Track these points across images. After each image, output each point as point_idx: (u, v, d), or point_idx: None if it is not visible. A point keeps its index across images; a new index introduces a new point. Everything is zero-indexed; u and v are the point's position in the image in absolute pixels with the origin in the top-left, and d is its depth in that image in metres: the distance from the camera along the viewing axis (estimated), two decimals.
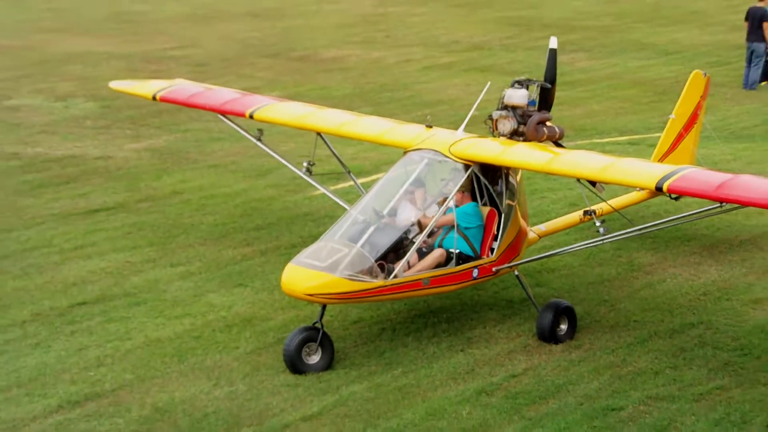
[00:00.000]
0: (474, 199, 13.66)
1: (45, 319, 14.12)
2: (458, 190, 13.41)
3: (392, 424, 11.64)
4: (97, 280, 15.37)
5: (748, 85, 27.46)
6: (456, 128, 14.28)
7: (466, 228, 13.40)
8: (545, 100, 14.42)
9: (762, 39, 27.02)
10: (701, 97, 16.85)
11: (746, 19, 27.54)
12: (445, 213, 13.29)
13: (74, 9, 38.82)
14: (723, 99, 25.96)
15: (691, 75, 16.82)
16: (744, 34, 27.79)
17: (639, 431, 11.53)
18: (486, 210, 13.65)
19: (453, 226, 13.27)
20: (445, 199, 13.34)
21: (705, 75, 16.94)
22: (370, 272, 12.62)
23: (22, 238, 16.93)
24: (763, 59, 27.30)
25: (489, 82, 15.34)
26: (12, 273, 15.56)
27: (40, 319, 14.09)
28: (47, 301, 14.62)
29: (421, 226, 13.21)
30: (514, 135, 14.03)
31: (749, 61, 27.49)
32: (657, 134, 17.83)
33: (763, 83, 27.75)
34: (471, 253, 13.43)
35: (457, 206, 13.44)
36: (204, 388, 12.33)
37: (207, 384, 12.42)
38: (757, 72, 27.41)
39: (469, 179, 13.58)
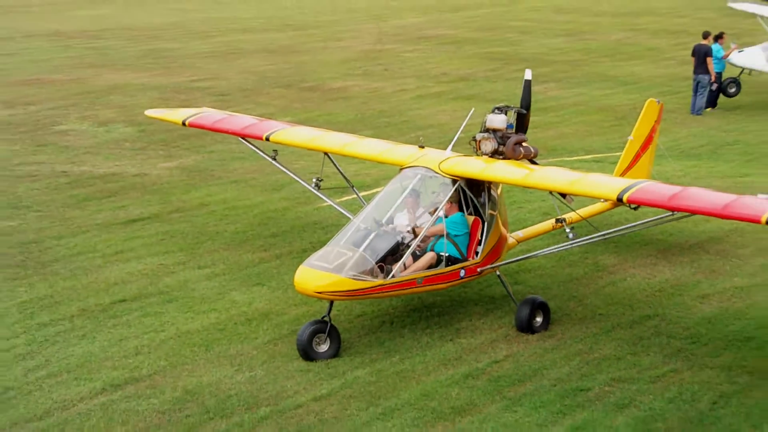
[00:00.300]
0: (461, 209, 13.69)
1: (90, 314, 14.14)
2: (446, 202, 13.44)
3: (391, 403, 11.65)
4: (134, 280, 15.38)
5: (695, 111, 27.57)
6: (445, 148, 14.32)
7: (454, 235, 13.43)
8: (521, 124, 14.46)
9: (706, 71, 27.18)
10: (655, 121, 16.93)
11: (693, 54, 27.69)
12: (435, 222, 13.32)
13: (114, 48, 38.86)
14: (674, 123, 25.99)
15: (647, 102, 16.88)
16: (691, 67, 27.92)
17: (604, 408, 11.53)
18: (471, 219, 13.69)
19: (443, 234, 13.31)
20: (435, 209, 13.37)
21: (659, 102, 17.00)
22: (371, 273, 12.64)
23: (70, 244, 16.92)
24: (707, 89, 27.46)
25: (473, 109, 15.35)
26: (62, 274, 15.56)
27: (86, 314, 14.11)
28: (92, 299, 14.63)
29: (415, 233, 13.25)
30: (495, 154, 14.05)
31: (695, 90, 27.62)
32: (618, 153, 17.80)
33: (708, 109, 27.85)
34: (459, 256, 13.45)
35: (446, 216, 13.48)
36: (228, 373, 12.34)
37: (230, 370, 12.43)
38: (702, 100, 27.56)
39: (457, 192, 13.61)
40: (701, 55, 27.28)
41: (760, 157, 23.04)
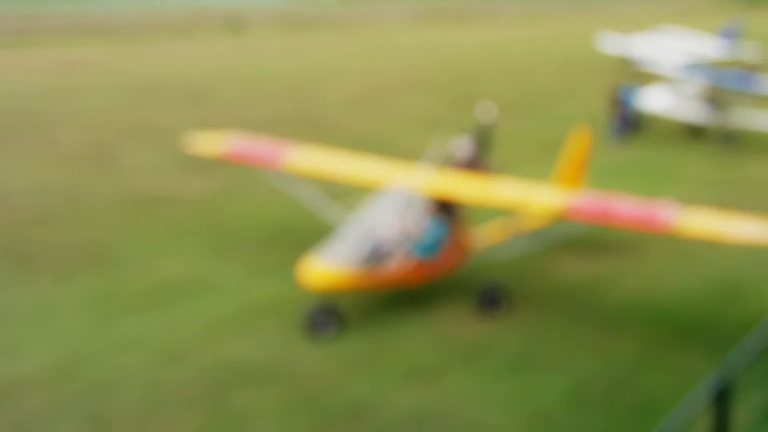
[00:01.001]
0: (436, 218, 13.75)
1: (145, 299, 14.21)
2: (424, 213, 13.49)
3: (383, 366, 11.76)
4: (181, 275, 15.44)
5: (617, 137, 27.72)
6: (421, 171, 14.38)
7: (431, 239, 13.48)
8: (483, 149, 14.54)
9: (618, 108, 27.51)
10: (587, 147, 17.01)
11: (611, 95, 27.93)
12: (416, 229, 13.37)
13: (164, 95, 38.83)
14: (601, 148, 26.12)
15: (578, 132, 16.96)
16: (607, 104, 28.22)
17: (551, 378, 11.63)
18: (445, 225, 13.73)
19: (423, 238, 13.37)
20: (417, 219, 13.41)
21: (588, 132, 17.08)
22: (363, 269, 12.69)
23: (131, 248, 16.97)
24: (619, 122, 27.70)
25: (441, 135, 15.40)
26: (123, 271, 15.63)
27: (142, 300, 14.21)
28: (147, 288, 14.71)
29: (399, 237, 13.28)
30: (462, 172, 14.12)
31: (617, 123, 27.80)
32: (557, 172, 17.91)
33: (627, 136, 27.99)
34: (435, 257, 13.49)
35: (425, 225, 13.52)
36: (251, 349, 12.40)
37: (254, 347, 12.49)
38: (618, 131, 27.77)
39: (432, 204, 13.67)
40: (615, 95, 27.63)
41: (664, 178, 23.15)
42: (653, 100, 27.87)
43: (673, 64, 31.42)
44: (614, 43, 44.68)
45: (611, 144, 27.54)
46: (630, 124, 28.37)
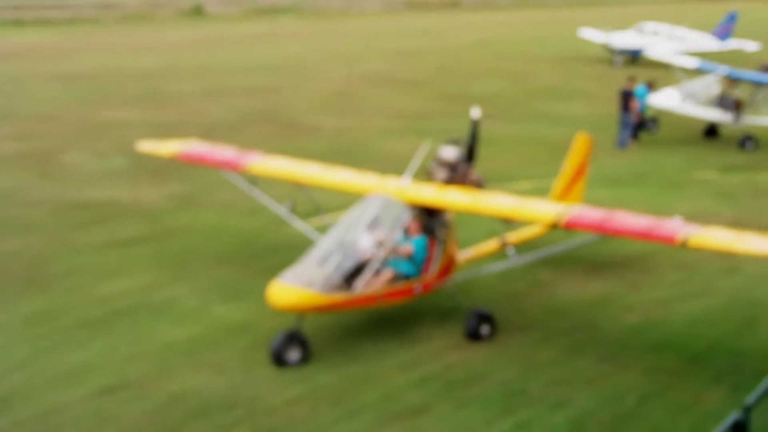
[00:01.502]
0: (422, 231, 13.52)
1: (86, 325, 13.84)
2: (410, 223, 13.28)
3: (354, 405, 11.48)
4: (127, 295, 15.07)
5: (620, 144, 27.71)
6: (403, 178, 14.19)
7: (412, 254, 13.26)
8: (470, 155, 14.39)
9: (629, 110, 27.41)
10: (586, 153, 16.89)
11: (620, 96, 27.83)
12: (394, 243, 13.15)
13: (113, 88, 38.47)
14: (601, 154, 26.05)
15: (578, 137, 16.86)
16: (615, 106, 28.07)
17: (544, 407, 11.42)
18: (426, 240, 13.52)
19: (405, 254, 13.15)
20: (396, 231, 13.20)
21: (588, 137, 16.98)
22: (337, 288, 12.45)
23: (68, 263, 16.60)
24: (630, 125, 27.66)
25: (428, 143, 15.25)
26: (60, 290, 15.25)
27: (82, 325, 13.81)
28: (88, 312, 14.33)
29: (378, 252, 13.07)
30: (447, 182, 13.95)
31: (622, 126, 27.76)
32: (554, 180, 17.79)
33: (631, 142, 28.00)
34: (415, 273, 13.29)
35: (409, 236, 13.31)
36: (209, 378, 12.10)
37: (211, 375, 12.19)
38: (626, 134, 27.72)
39: (415, 215, 13.46)
40: (625, 97, 27.50)
41: (675, 184, 23.13)
42: (667, 100, 27.89)
43: (688, 60, 31.59)
44: (596, 37, 46.28)
45: (623, 148, 27.42)
46: (642, 125, 28.35)
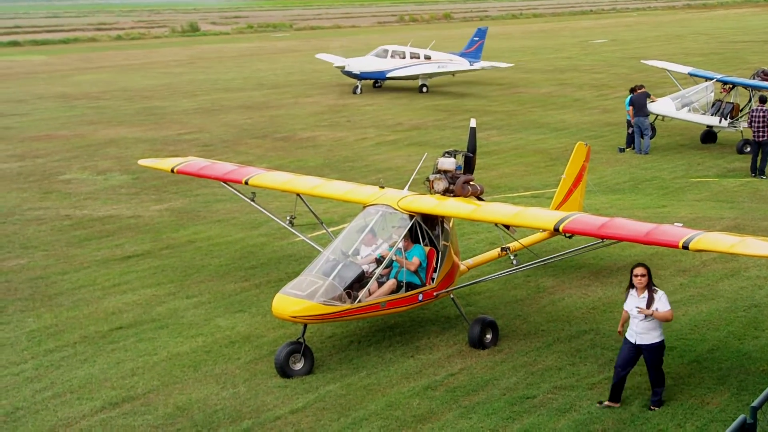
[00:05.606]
0: (417, 241, 13.52)
1: (91, 340, 13.80)
2: (404, 239, 13.25)
3: (359, 414, 11.42)
4: (130, 309, 15.04)
5: (642, 151, 27.42)
6: (402, 188, 14.19)
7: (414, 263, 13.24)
8: (468, 165, 14.38)
9: (646, 115, 27.20)
10: (584, 161, 16.91)
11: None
12: (395, 254, 13.13)
13: (111, 107, 38.52)
14: (600, 162, 26.09)
15: (576, 145, 16.87)
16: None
17: (548, 413, 11.38)
18: (427, 249, 13.52)
19: (404, 262, 13.13)
20: (395, 242, 13.20)
21: (586, 145, 17.01)
22: (340, 298, 12.43)
23: (72, 279, 16.57)
24: (649, 130, 27.49)
25: (426, 153, 15.26)
26: (65, 306, 15.21)
27: (87, 341, 13.77)
28: (92, 327, 14.29)
29: (378, 262, 13.06)
30: (446, 192, 13.95)
31: (639, 133, 27.52)
32: (553, 189, 17.80)
33: (628, 149, 27.91)
34: (417, 282, 13.28)
35: (405, 250, 13.29)
36: (214, 390, 12.05)
37: (216, 387, 12.14)
38: (647, 140, 27.50)
39: (414, 226, 13.45)
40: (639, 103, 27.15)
41: (674, 191, 23.15)
42: (664, 107, 27.90)
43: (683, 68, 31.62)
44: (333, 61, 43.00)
45: (645, 155, 27.29)
46: (643, 132, 28.31)
